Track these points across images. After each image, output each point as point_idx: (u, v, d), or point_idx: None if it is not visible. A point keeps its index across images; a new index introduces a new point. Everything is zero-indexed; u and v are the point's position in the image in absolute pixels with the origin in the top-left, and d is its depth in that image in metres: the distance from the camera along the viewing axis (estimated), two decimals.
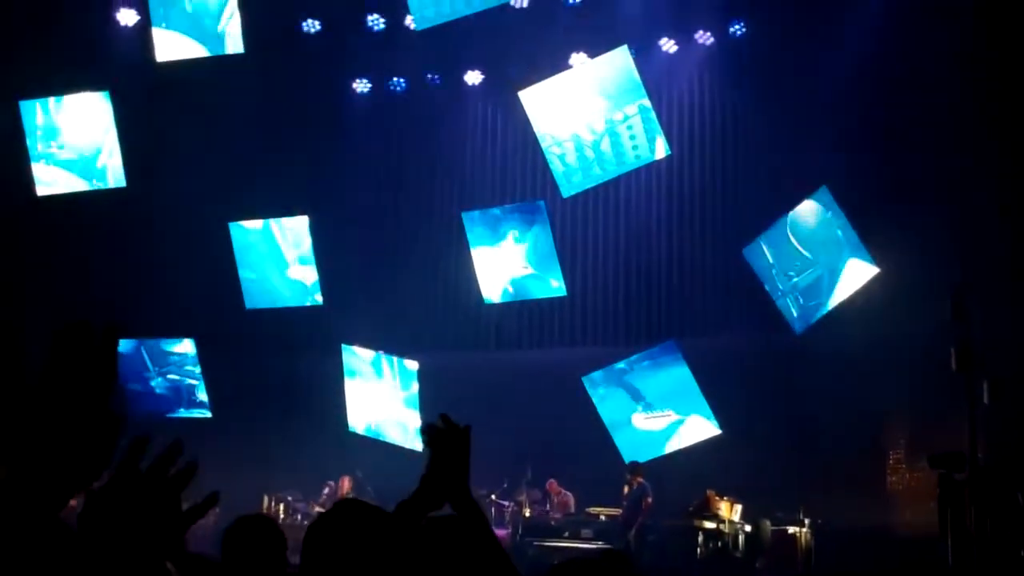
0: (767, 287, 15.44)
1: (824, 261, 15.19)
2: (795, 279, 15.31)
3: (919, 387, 14.16)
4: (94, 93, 16.51)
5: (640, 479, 15.37)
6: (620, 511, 15.51)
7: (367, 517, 2.56)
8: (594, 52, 16.08)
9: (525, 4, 17.59)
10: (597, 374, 15.90)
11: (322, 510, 16.59)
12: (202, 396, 17.65)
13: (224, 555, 4.48)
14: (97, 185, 16.62)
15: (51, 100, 16.65)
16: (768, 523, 14.80)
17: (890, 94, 15.59)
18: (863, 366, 14.92)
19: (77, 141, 16.62)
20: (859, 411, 15.31)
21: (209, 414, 17.60)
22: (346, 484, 16.80)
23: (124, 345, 17.74)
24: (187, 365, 17.65)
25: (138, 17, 17.48)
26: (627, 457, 15.62)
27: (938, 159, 14.99)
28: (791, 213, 15.29)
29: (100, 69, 16.85)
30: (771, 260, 15.39)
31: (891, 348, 14.71)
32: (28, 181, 16.63)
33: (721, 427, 15.35)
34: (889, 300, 14.58)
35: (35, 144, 16.65)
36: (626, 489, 15.41)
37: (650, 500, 15.02)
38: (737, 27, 17.48)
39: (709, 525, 14.69)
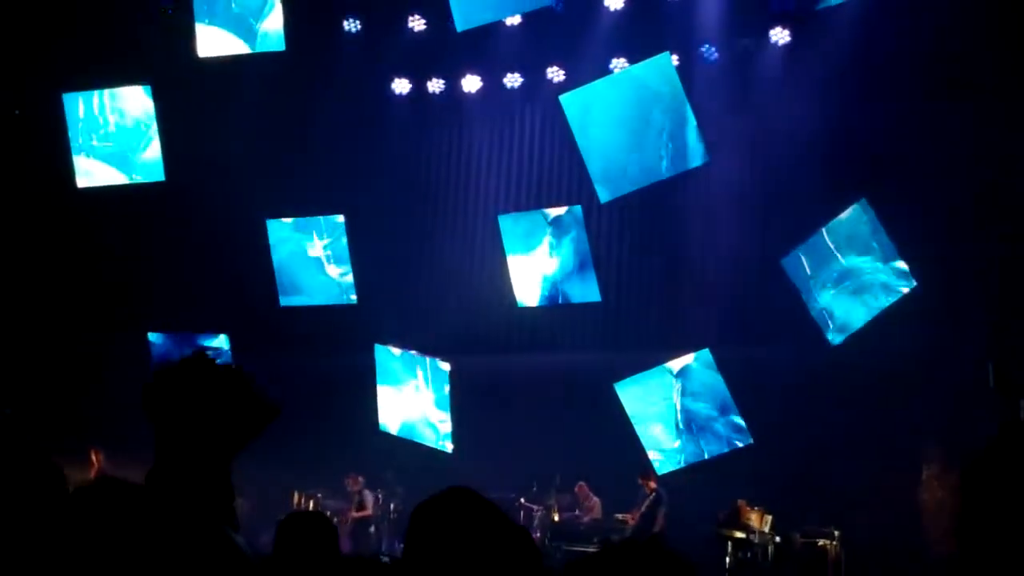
0: (804, 298, 15.33)
1: (864, 275, 15.06)
2: (832, 291, 15.19)
3: (954, 403, 14.05)
4: (136, 87, 16.62)
5: (654, 484, 15.33)
6: (631, 517, 15.46)
7: (479, 507, 2.49)
8: (635, 58, 16.02)
9: (566, 8, 17.57)
10: (629, 380, 15.82)
11: (356, 511, 16.70)
12: None
13: (277, 548, 4.56)
14: (136, 179, 16.72)
15: (93, 93, 16.76)
16: (798, 535, 14.71)
17: (933, 107, 15.44)
18: (898, 380, 14.80)
19: (118, 134, 16.73)
20: (893, 425, 15.18)
21: None
22: (354, 480, 16.86)
23: (158, 339, 17.86)
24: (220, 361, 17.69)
25: (181, 12, 17.61)
26: (658, 464, 15.55)
27: (982, 175, 14.83)
28: (829, 224, 15.18)
29: (142, 63, 16.95)
30: (809, 271, 15.27)
31: (927, 363, 14.59)
32: (69, 173, 16.76)
33: (753, 437, 15.25)
34: (927, 315, 14.46)
35: (76, 136, 16.77)
36: (646, 498, 15.41)
37: (665, 511, 14.99)
38: (780, 35, 17.39)
39: (739, 535, 14.62)
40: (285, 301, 17.41)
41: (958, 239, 14.61)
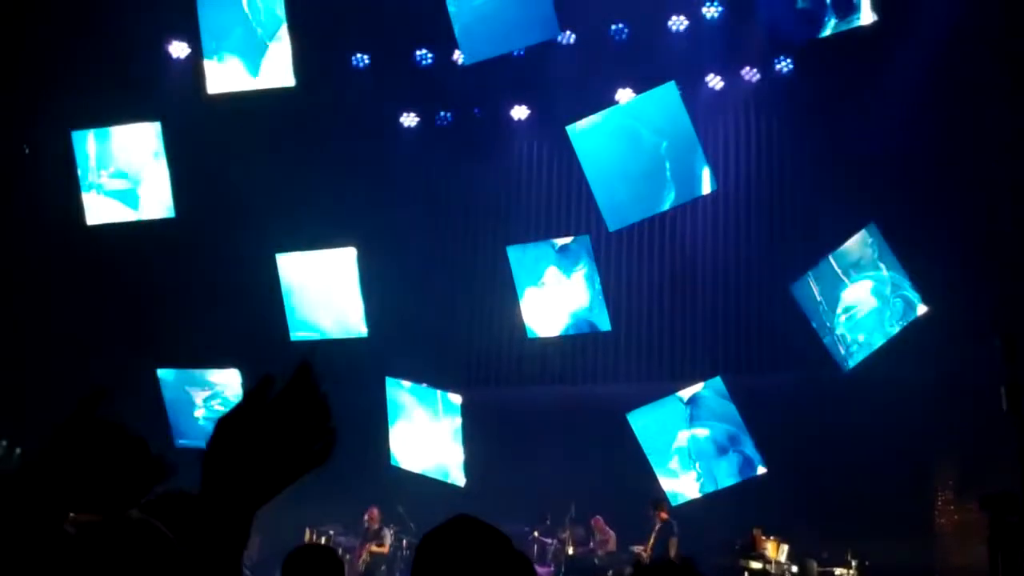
0: (814, 324, 15.29)
1: (873, 299, 15.03)
2: (843, 316, 15.16)
3: (969, 427, 13.98)
4: (145, 124, 16.69)
5: (665, 515, 15.21)
6: (646, 549, 15.30)
7: (483, 534, 2.48)
8: (640, 88, 16.08)
9: (572, 40, 17.69)
10: (641, 410, 15.78)
11: (376, 546, 16.64)
12: None
13: None
14: (146, 215, 16.77)
15: (103, 131, 16.84)
16: (814, 564, 14.61)
17: (938, 131, 15.46)
18: (911, 405, 14.74)
19: (128, 171, 16.80)
20: (907, 450, 15.11)
21: None
22: (375, 514, 16.82)
23: (169, 375, 17.86)
24: (231, 395, 17.69)
25: (190, 50, 17.80)
26: (672, 495, 15.45)
27: (988, 196, 14.81)
28: (838, 249, 15.17)
29: (151, 100, 17.05)
30: (819, 297, 15.25)
31: (940, 387, 14.53)
32: (78, 210, 16.83)
33: (767, 465, 15.18)
34: (938, 339, 14.40)
35: (86, 174, 16.85)
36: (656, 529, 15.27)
37: (677, 541, 14.84)
38: (783, 64, 17.46)
39: (755, 565, 14.53)
40: (296, 335, 17.40)
41: (969, 261, 14.59)
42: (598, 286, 16.47)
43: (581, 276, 16.51)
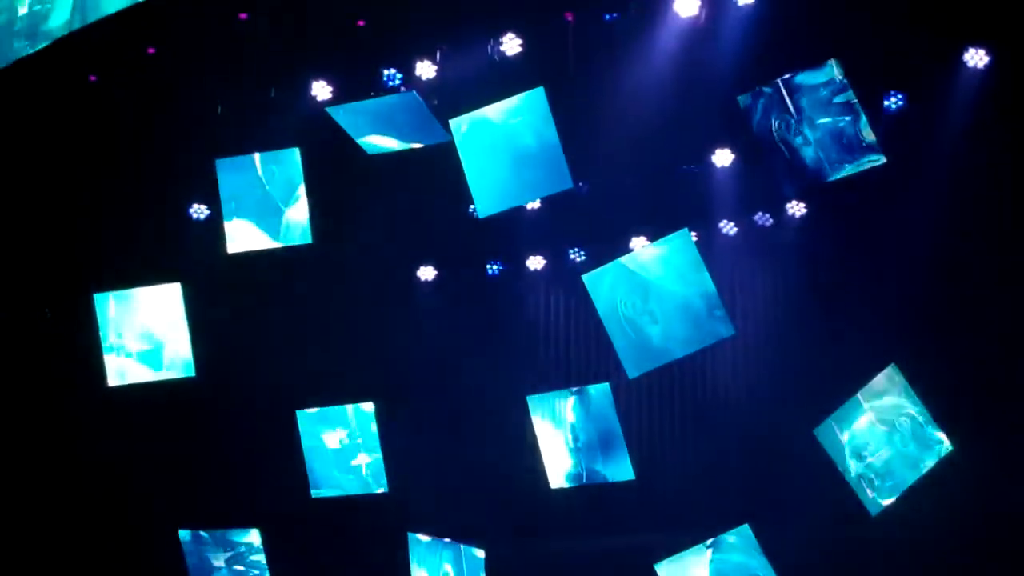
0: (840, 468, 15.09)
1: (898, 441, 14.86)
2: (869, 459, 14.96)
3: (1006, 567, 13.73)
4: (166, 285, 16.84)
5: None
6: None
7: None
8: (655, 235, 16.20)
9: (585, 190, 17.91)
10: (668, 560, 15.48)
11: None
12: None
13: None
14: (167, 375, 16.77)
15: (124, 292, 16.95)
16: None
17: (956, 268, 15.53)
18: (941, 551, 14.51)
19: (149, 333, 16.87)
20: None
21: None
22: None
23: (190, 536, 17.64)
24: (253, 555, 17.44)
25: (209, 211, 18.07)
26: None
27: (1011, 333, 14.79)
28: (860, 392, 15.05)
29: (172, 261, 17.25)
30: (843, 441, 15.08)
31: (972, 526, 14.31)
32: (100, 372, 16.87)
33: None
34: (964, 480, 14.25)
35: (107, 336, 16.91)
36: None
37: None
38: (795, 207, 17.62)
39: None
40: (316, 492, 17.23)
41: (996, 398, 14.49)
42: (619, 433, 16.27)
43: (601, 423, 16.26)
